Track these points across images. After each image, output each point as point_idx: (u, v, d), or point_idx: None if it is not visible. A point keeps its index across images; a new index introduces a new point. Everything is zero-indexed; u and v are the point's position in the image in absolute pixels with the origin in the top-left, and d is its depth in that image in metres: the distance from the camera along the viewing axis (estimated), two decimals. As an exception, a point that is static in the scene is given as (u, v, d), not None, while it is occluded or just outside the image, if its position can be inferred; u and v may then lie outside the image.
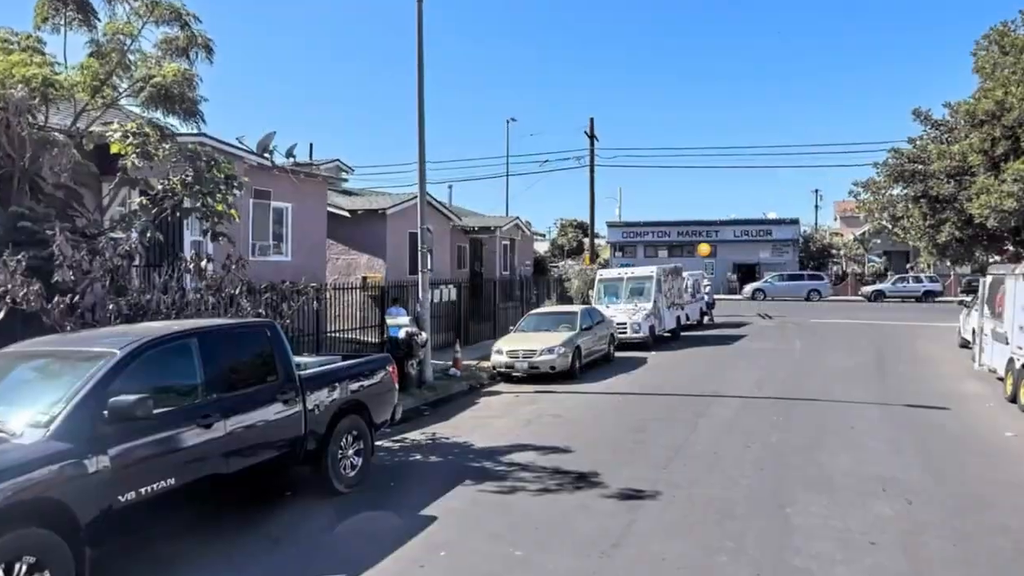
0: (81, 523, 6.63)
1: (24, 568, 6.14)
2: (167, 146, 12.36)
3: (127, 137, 11.81)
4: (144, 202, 12.07)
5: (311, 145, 38.34)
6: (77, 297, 10.60)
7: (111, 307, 10.72)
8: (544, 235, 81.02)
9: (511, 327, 24.23)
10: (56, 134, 12.55)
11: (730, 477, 10.75)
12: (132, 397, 7.08)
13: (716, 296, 41.61)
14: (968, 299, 26.66)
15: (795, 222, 67.00)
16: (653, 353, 25.39)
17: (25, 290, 10.03)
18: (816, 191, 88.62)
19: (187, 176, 12.16)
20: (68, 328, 10.27)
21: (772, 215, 69.29)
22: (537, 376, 20.15)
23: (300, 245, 22.02)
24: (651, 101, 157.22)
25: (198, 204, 12.17)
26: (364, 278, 25.65)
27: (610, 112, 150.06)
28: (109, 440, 7.00)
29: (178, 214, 12.53)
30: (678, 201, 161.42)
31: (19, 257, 10.20)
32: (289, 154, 22.80)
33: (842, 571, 7.48)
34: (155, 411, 7.35)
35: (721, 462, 11.55)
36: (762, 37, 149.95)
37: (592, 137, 47.09)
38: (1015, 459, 11.79)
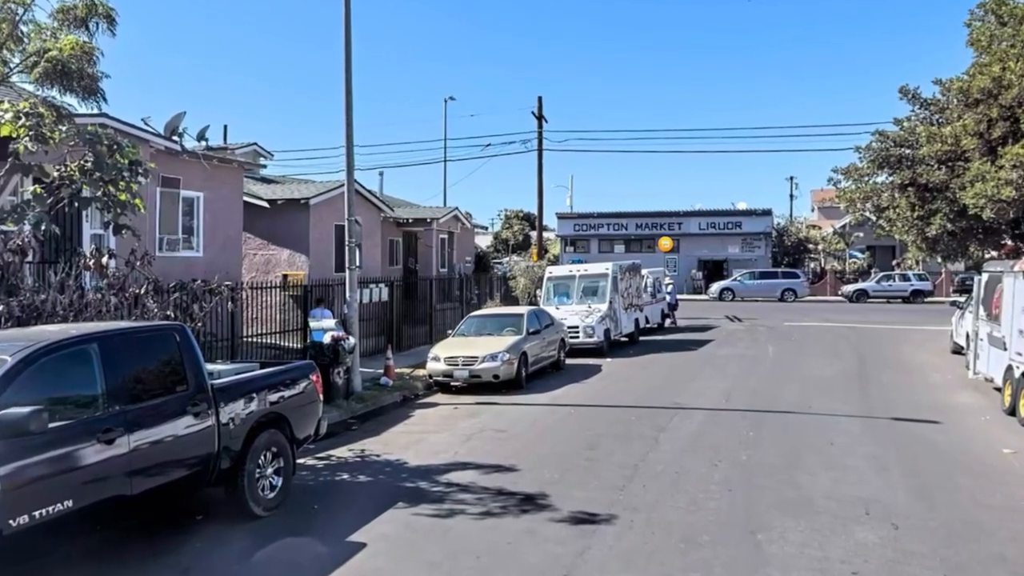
0: (-33, 551, 6.63)
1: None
2: (64, 128, 12.21)
3: (19, 118, 11.63)
4: (38, 191, 11.92)
5: (225, 127, 38.10)
6: (-39, 298, 10.48)
7: (1, 309, 10.61)
8: (486, 228, 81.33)
9: (449, 331, 24.36)
10: (-61, 115, 12.36)
11: (695, 499, 10.80)
12: (25, 409, 7.07)
13: (679, 296, 42.16)
14: (961, 300, 27.10)
15: (768, 213, 67.82)
16: (608, 360, 25.63)
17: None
18: (791, 179, 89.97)
19: (87, 162, 12.04)
20: (-50, 332, 10.16)
21: (742, 206, 70.06)
22: (478, 386, 20.27)
23: (213, 239, 21.91)
24: (607, 78, 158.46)
25: (99, 193, 12.05)
26: (285, 276, 25.56)
27: (560, 90, 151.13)
28: (-2, 458, 6.99)
29: (76, 204, 12.38)
30: (637, 190, 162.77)
31: None
32: (201, 137, 22.58)
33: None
34: (50, 425, 7.36)
35: (685, 483, 11.61)
36: (730, 5, 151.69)
37: (540, 118, 47.39)
38: (1014, 480, 11.86)
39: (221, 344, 18.60)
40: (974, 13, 29.66)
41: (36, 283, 11.79)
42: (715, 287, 58.08)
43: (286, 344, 21.95)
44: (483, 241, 72.43)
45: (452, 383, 20.59)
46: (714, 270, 65.50)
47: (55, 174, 12.20)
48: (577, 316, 27.21)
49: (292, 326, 22.47)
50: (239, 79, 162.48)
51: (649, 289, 34.41)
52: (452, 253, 42.04)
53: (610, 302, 28.45)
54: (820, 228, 76.10)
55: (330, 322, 19.64)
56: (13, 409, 7.08)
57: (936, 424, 15.56)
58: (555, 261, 55.98)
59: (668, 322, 36.75)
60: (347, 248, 19.81)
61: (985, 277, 19.74)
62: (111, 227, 12.47)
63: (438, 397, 19.99)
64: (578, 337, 26.47)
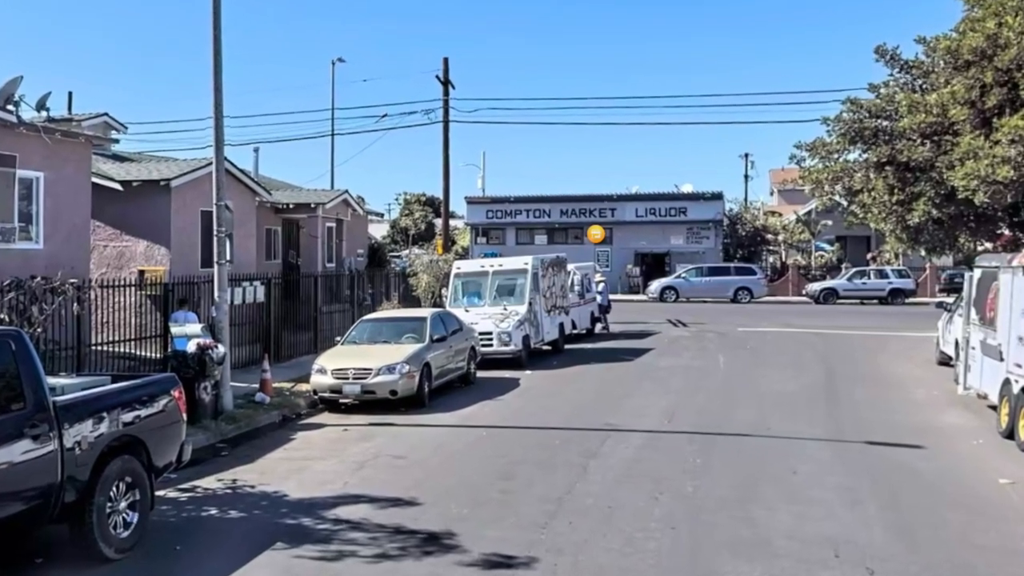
0: None
1: None
2: None
3: None
4: None
5: (70, 95, 37.43)
6: None
7: None
8: (382, 215, 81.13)
9: (338, 338, 24.31)
10: None
11: (631, 539, 10.88)
12: None
13: (613, 297, 42.63)
14: (949, 301, 27.54)
15: (718, 197, 67.91)
16: (528, 372, 25.84)
17: None
18: (746, 156, 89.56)
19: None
20: None
21: (688, 188, 70.54)
22: (372, 403, 20.28)
23: (55, 228, 21.56)
24: (525, 35, 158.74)
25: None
26: (141, 272, 25.28)
27: (470, 51, 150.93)
28: None
29: None
30: (562, 171, 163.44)
31: None
32: (41, 106, 22.29)
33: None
34: None
35: (619, 519, 11.70)
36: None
37: (446, 83, 47.50)
38: (1012, 515, 11.96)
39: (65, 353, 18.34)
40: None
41: None
42: (655, 285, 58.28)
43: (143, 353, 21.69)
44: (378, 231, 72.29)
45: (341, 400, 20.61)
46: (654, 265, 65.73)
47: None
48: (490, 320, 27.34)
49: (150, 332, 22.19)
50: (86, 37, 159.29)
51: (576, 288, 34.69)
52: (341, 245, 41.83)
53: (529, 304, 28.60)
54: (781, 215, 75.71)
55: (195, 327, 19.52)
56: None
57: (919, 449, 15.71)
58: (464, 255, 56.12)
59: (599, 327, 37.16)
60: (216, 239, 19.68)
61: (977, 274, 19.90)
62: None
63: (324, 417, 20.00)
64: (491, 345, 26.64)
